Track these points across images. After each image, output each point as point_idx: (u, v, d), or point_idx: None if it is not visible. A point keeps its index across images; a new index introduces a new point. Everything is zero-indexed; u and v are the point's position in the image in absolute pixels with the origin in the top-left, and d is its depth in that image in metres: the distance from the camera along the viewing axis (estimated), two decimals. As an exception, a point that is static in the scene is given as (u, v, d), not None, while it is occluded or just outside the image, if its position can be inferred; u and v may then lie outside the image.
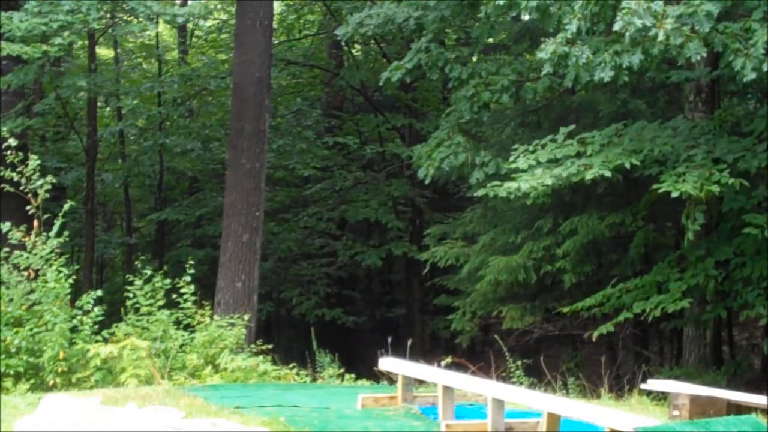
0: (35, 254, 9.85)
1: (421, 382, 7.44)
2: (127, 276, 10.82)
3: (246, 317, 11.31)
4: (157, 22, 18.35)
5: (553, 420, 5.89)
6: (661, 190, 10.89)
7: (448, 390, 6.58)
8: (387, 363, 7.71)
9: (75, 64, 21.93)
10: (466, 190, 16.38)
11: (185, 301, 10.31)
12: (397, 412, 6.90)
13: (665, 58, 10.93)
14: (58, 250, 9.92)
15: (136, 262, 15.68)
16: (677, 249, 13.50)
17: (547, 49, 10.49)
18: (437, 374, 6.91)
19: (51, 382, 9.05)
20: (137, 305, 10.05)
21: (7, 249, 10.23)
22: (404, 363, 7.54)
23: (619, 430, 5.33)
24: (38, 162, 10.41)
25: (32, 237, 10.03)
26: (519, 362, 10.45)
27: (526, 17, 14.27)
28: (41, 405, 6.04)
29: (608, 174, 11.03)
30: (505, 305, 15.01)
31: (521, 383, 10.02)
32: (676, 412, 7.18)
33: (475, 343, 18.01)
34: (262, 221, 14.09)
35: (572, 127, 12.13)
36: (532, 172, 11.32)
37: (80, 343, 9.43)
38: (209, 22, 22.28)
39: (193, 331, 10.14)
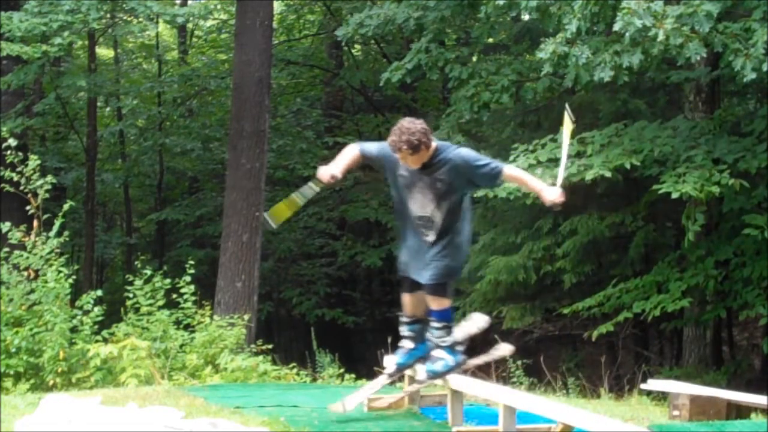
0: (35, 254, 9.83)
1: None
2: (127, 276, 10.81)
3: (246, 317, 11.31)
4: (157, 22, 18.36)
5: (567, 429, 5.82)
6: (661, 191, 10.90)
7: (457, 394, 6.53)
8: (393, 360, 7.62)
9: (75, 64, 21.93)
10: (465, 190, 16.35)
11: (185, 301, 10.31)
12: (397, 412, 6.89)
13: (665, 58, 10.93)
14: (58, 250, 9.90)
15: (136, 262, 15.68)
16: (677, 249, 13.50)
17: (547, 49, 10.49)
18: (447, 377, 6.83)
19: (51, 382, 9.04)
20: (137, 305, 10.04)
21: (7, 249, 10.22)
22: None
23: None
24: (38, 162, 10.39)
25: (32, 237, 10.02)
26: (519, 362, 10.44)
27: (526, 17, 14.27)
28: (41, 405, 6.03)
29: (608, 174, 11.04)
30: (505, 305, 15.01)
31: (521, 383, 10.02)
32: (676, 412, 7.17)
33: (475, 343, 17.98)
34: (262, 221, 14.09)
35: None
36: (532, 172, 11.33)
37: (80, 343, 9.42)
38: (209, 22, 22.31)
39: (193, 331, 10.13)
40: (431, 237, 6.24)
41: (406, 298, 6.54)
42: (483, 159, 6.17)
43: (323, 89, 23.57)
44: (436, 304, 6.34)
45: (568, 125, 6.54)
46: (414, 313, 6.57)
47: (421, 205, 6.20)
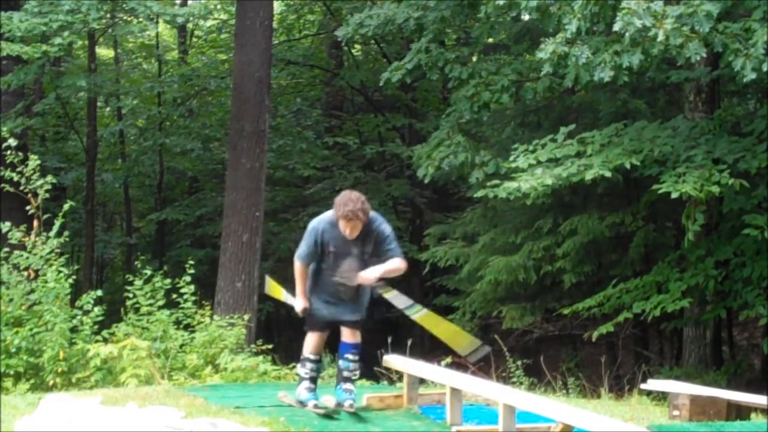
0: (35, 254, 9.83)
1: (421, 381, 7.38)
2: (127, 276, 10.80)
3: (246, 317, 11.30)
4: (157, 22, 18.37)
5: (567, 428, 5.81)
6: (661, 191, 10.89)
7: (456, 393, 6.52)
8: (392, 360, 7.63)
9: (75, 64, 21.95)
10: (466, 190, 16.39)
11: (185, 301, 10.30)
12: (397, 411, 6.90)
13: (665, 58, 10.93)
14: (58, 250, 9.90)
15: (136, 262, 15.67)
16: (677, 249, 13.50)
17: (547, 49, 10.49)
18: (446, 375, 6.83)
19: (51, 382, 9.04)
20: (137, 305, 10.03)
21: (7, 249, 10.22)
22: (411, 361, 7.45)
23: None
24: (38, 162, 10.39)
25: (32, 237, 10.02)
26: (519, 362, 10.44)
27: (526, 17, 14.26)
28: (41, 405, 6.03)
29: (608, 174, 11.03)
30: (505, 305, 15.00)
31: (521, 383, 10.02)
32: (676, 412, 7.17)
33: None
34: (262, 221, 14.09)
35: (572, 126, 12.14)
36: (533, 172, 11.33)
37: (80, 343, 9.41)
38: (209, 22, 22.30)
39: (193, 331, 10.12)
40: (355, 282, 6.85)
41: (317, 339, 7.00)
42: (391, 241, 6.89)
43: (323, 89, 23.56)
44: (357, 336, 6.98)
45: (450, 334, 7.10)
46: (319, 352, 7.11)
47: (349, 264, 6.79)
